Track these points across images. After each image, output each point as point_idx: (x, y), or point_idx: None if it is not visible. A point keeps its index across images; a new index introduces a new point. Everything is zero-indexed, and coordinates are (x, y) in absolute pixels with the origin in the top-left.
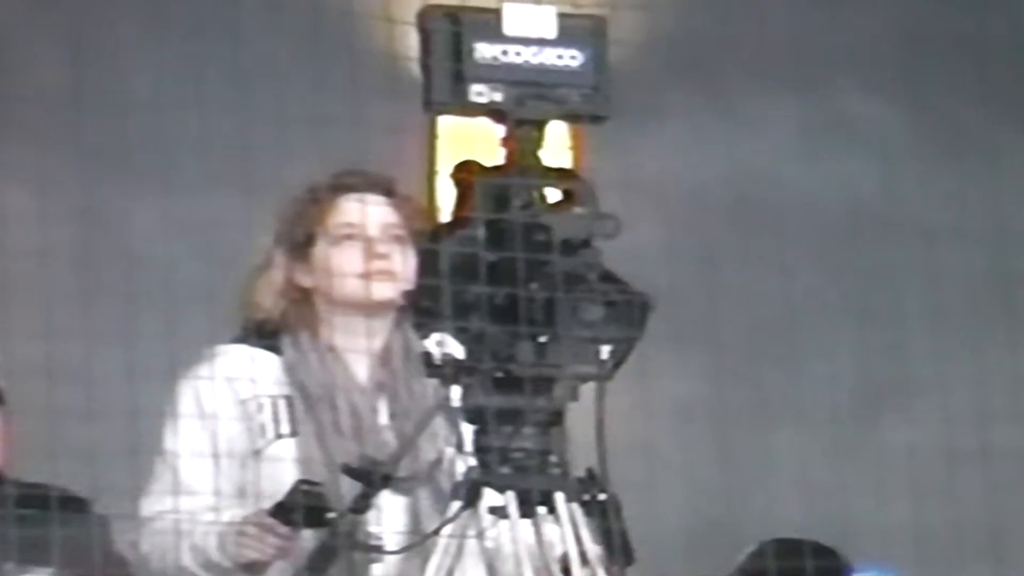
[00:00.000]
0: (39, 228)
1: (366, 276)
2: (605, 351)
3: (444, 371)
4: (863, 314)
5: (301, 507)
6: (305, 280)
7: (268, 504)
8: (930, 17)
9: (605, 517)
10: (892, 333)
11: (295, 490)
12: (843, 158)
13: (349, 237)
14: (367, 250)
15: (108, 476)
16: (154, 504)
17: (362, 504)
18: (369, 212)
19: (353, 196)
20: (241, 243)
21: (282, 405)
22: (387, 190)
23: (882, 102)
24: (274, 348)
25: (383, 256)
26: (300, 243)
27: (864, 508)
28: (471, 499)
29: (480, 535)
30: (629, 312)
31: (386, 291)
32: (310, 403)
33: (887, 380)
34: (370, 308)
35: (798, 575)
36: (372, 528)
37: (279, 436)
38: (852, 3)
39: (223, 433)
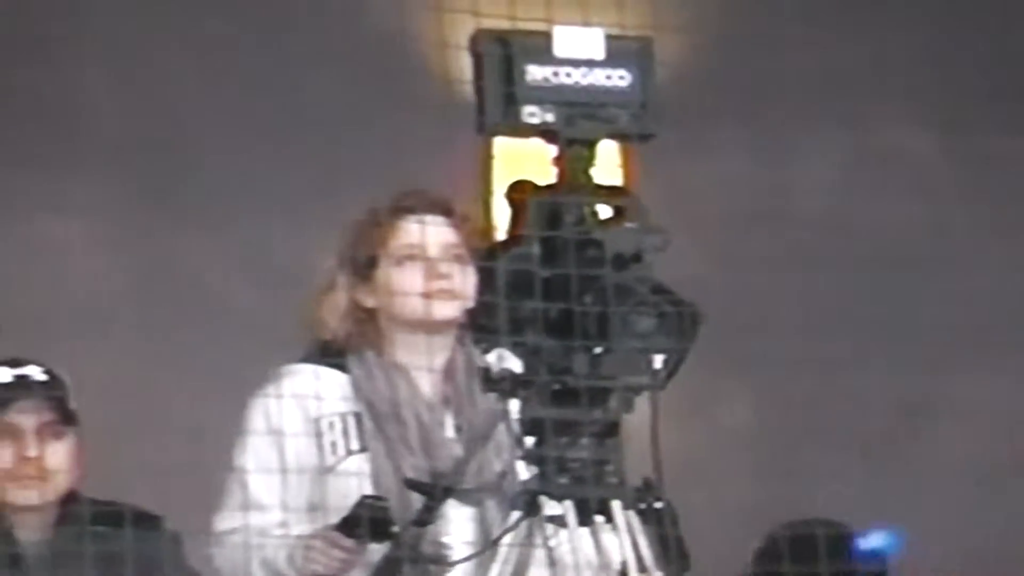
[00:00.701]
0: (100, 258)
1: (427, 296)
2: (658, 361)
3: (502, 385)
4: (897, 334)
5: (365, 521)
6: (368, 300)
7: (338, 519)
8: (964, 46)
9: (661, 524)
10: (924, 353)
11: (360, 505)
12: (876, 179)
13: (410, 258)
14: (428, 270)
15: (176, 493)
16: (226, 520)
17: (425, 517)
18: (429, 233)
19: (413, 218)
20: (293, 267)
21: (351, 422)
22: (446, 211)
23: (917, 128)
24: (341, 367)
25: (444, 276)
26: (363, 265)
27: (898, 520)
28: (530, 509)
29: (542, 544)
30: (680, 323)
31: (447, 310)
32: (378, 419)
33: (918, 399)
34: (432, 327)
35: (808, 552)
36: (443, 539)
37: (350, 453)
38: (887, 29)
39: (292, 450)
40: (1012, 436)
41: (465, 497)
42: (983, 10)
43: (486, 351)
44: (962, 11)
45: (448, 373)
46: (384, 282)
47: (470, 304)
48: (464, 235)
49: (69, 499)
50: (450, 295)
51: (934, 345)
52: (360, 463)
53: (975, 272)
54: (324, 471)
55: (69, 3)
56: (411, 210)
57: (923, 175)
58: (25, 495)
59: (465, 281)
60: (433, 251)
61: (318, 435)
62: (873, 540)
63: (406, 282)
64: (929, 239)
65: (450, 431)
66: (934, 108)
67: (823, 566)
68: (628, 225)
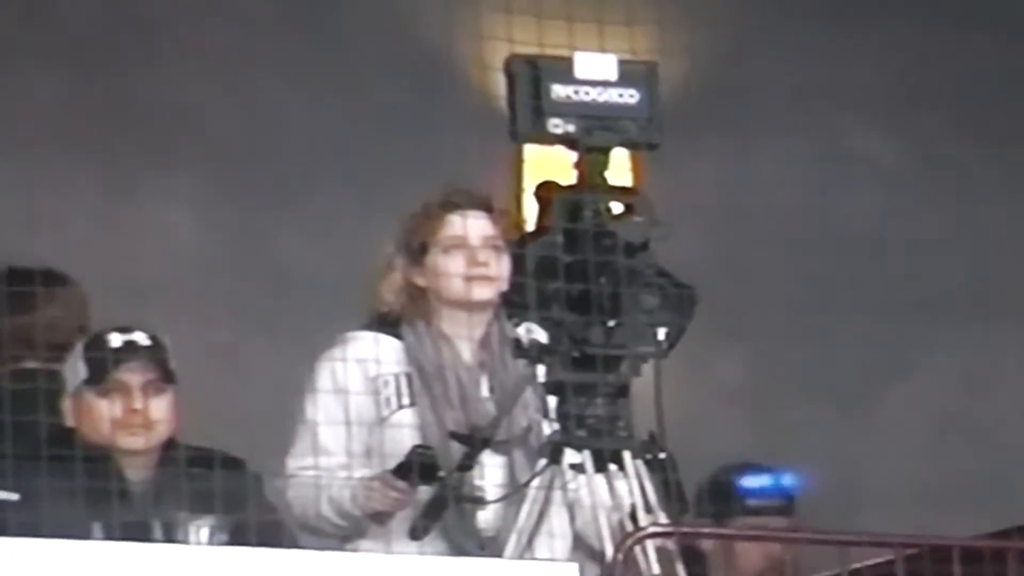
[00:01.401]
0: (198, 238)
1: (468, 279)
2: (661, 333)
3: (530, 353)
4: (865, 308)
5: (416, 467)
6: (420, 280)
7: (391, 464)
8: (925, 64)
9: (664, 472)
10: (889, 324)
11: (412, 453)
12: (845, 176)
13: (455, 247)
14: (469, 258)
15: (256, 440)
16: (297, 462)
17: (466, 463)
18: (471, 226)
19: (458, 213)
20: (362, 250)
21: (403, 381)
22: (486, 207)
23: (879, 133)
24: (396, 334)
25: (482, 263)
26: (416, 251)
27: (868, 464)
28: (554, 457)
29: (564, 487)
30: (680, 302)
31: (484, 292)
32: (425, 379)
33: (884, 363)
34: (471, 305)
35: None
36: (480, 482)
37: (401, 406)
38: (856, 50)
39: (354, 403)
40: (961, 394)
41: (498, 448)
42: (939, 32)
43: (517, 324)
44: (920, 34)
45: (485, 342)
46: (433, 266)
47: (505, 287)
48: (502, 228)
49: (168, 445)
50: (487, 279)
51: (897, 317)
52: (410, 416)
53: (932, 255)
54: (380, 422)
55: (177, 19)
56: (457, 206)
57: (884, 172)
58: (132, 441)
59: (501, 267)
60: (474, 242)
61: (375, 391)
62: (759, 480)
63: (451, 267)
64: (891, 228)
65: (485, 391)
66: (894, 116)
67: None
68: (636, 219)
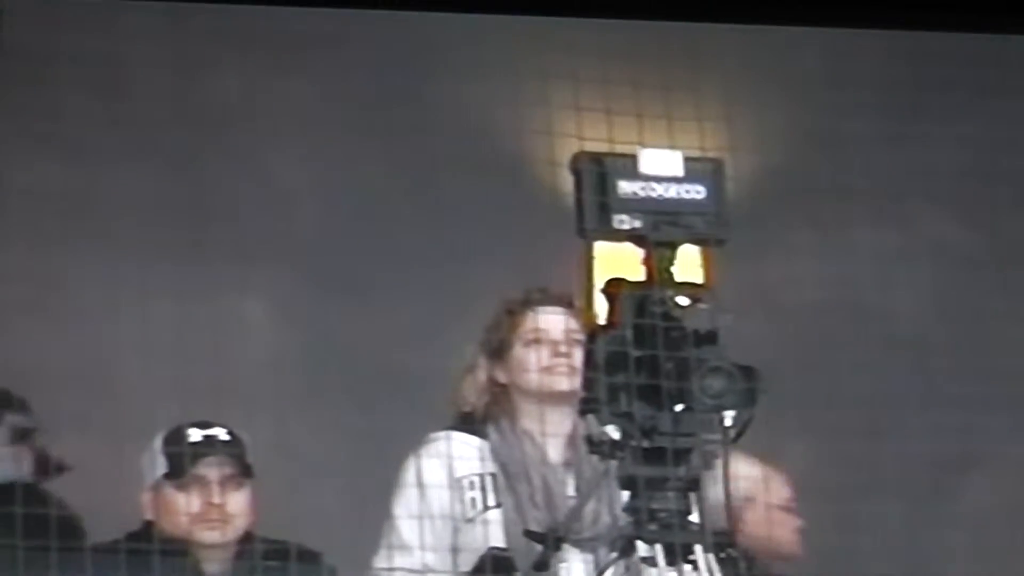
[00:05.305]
0: (276, 334)
1: (549, 370)
2: (728, 419)
3: (602, 448)
4: (936, 403)
5: (489, 566)
6: (503, 377)
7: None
8: (1002, 157)
9: (737, 567)
10: (958, 418)
11: (486, 553)
12: (918, 272)
13: (537, 341)
14: (551, 351)
15: (334, 534)
16: (382, 559)
17: (542, 562)
18: (552, 320)
19: (539, 308)
20: (439, 349)
21: (488, 481)
22: (567, 302)
23: (952, 233)
24: (480, 433)
25: (565, 355)
26: (498, 348)
27: (940, 558)
28: (626, 551)
29: None
30: (746, 388)
31: (566, 384)
32: (510, 479)
33: (956, 456)
34: (554, 398)
35: None
36: None
37: (486, 508)
38: (933, 144)
39: (437, 501)
40: None
41: (584, 545)
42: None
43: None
44: (999, 123)
45: (570, 439)
46: (515, 361)
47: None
48: (582, 322)
49: (245, 538)
50: (570, 370)
51: (970, 410)
52: (495, 516)
53: (1005, 347)
54: (465, 522)
55: (254, 115)
56: (538, 302)
57: (958, 267)
58: (210, 535)
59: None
60: (556, 335)
61: (460, 491)
62: None
63: (532, 360)
64: (963, 321)
65: (571, 490)
66: (968, 211)
67: None
68: (702, 306)
